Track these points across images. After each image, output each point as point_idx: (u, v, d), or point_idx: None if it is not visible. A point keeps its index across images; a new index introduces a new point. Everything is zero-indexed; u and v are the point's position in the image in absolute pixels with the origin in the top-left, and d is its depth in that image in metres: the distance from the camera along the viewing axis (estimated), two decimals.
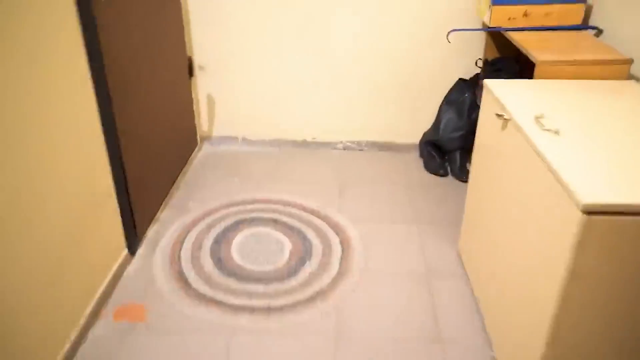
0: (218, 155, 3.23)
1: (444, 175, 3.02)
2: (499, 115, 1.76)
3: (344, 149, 3.31)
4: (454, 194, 2.85)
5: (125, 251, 2.27)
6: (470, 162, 3.03)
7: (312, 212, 2.67)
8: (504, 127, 1.76)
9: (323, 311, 2.05)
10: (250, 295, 2.13)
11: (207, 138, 3.33)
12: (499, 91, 1.86)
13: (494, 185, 1.86)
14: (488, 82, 1.95)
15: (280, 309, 2.06)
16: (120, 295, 2.12)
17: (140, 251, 2.37)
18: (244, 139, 3.31)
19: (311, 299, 2.11)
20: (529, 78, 2.16)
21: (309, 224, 2.57)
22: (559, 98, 1.80)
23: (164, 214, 2.63)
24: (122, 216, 2.22)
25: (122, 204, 2.20)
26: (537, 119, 1.62)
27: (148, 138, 2.46)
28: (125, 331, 1.96)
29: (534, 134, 1.53)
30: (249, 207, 2.70)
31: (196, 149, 3.23)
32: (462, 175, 2.96)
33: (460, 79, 2.99)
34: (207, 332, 1.95)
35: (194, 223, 2.57)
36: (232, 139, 3.31)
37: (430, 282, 2.21)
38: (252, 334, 1.95)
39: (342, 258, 2.35)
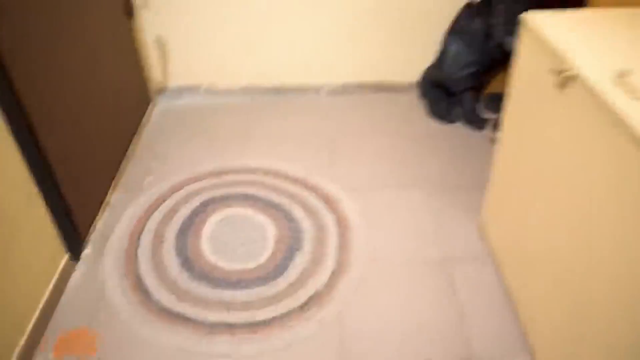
0: (177, 111, 2.66)
1: (453, 121, 2.53)
2: (557, 71, 1.26)
3: (330, 94, 2.76)
4: (468, 146, 2.38)
5: (66, 256, 1.79)
6: (484, 102, 2.53)
7: (298, 181, 2.19)
8: (563, 85, 1.26)
9: (322, 322, 1.63)
10: (228, 306, 1.69)
11: (162, 91, 2.74)
12: (550, 32, 1.34)
13: (544, 154, 1.39)
14: (531, 18, 1.42)
15: (268, 323, 1.64)
16: (62, 318, 1.67)
17: (87, 252, 1.88)
18: (208, 89, 2.73)
19: (306, 307, 1.68)
20: None
21: (295, 198, 2.10)
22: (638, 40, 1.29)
23: (114, 197, 2.12)
24: (53, 214, 1.71)
25: (50, 199, 1.68)
26: (622, 77, 1.12)
27: (78, 105, 1.90)
28: None
29: (624, 106, 1.04)
30: (220, 179, 2.20)
31: (150, 106, 2.65)
32: (476, 120, 2.47)
33: (467, 3, 2.42)
34: None
35: (153, 207, 2.07)
36: (193, 90, 2.73)
37: (450, 270, 1.79)
38: None
39: (339, 244, 1.90)
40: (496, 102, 2.46)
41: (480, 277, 1.77)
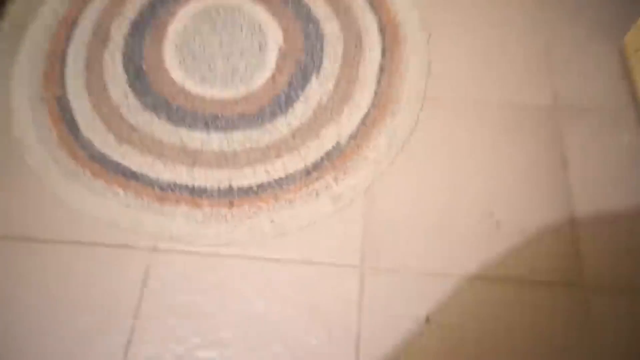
0: None
1: None
2: None
3: None
4: None
5: None
6: None
7: None
8: None
9: (337, 200, 1.01)
10: (194, 157, 1.06)
11: None
12: None
13: None
14: None
15: (253, 193, 1.02)
16: None
17: None
18: None
19: (315, 172, 1.04)
20: None
21: None
22: None
23: None
24: None
25: None
26: None
27: None
28: None
29: None
30: None
31: None
32: None
33: None
34: (109, 245, 0.98)
35: None
36: None
37: (561, 123, 1.08)
38: (192, 251, 0.97)
39: (382, 68, 1.17)
40: None
41: (612, 139, 1.06)
